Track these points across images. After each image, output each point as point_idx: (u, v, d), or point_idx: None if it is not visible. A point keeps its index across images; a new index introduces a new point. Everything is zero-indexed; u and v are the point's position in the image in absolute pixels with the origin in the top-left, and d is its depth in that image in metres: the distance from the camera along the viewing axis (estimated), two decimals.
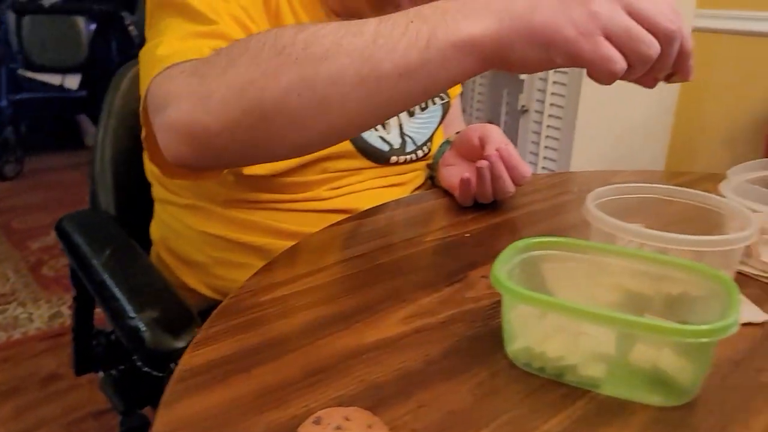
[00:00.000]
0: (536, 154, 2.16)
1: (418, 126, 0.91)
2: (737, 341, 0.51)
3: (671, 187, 0.63)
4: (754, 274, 0.62)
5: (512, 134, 2.25)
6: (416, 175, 0.91)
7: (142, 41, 0.66)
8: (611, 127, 2.03)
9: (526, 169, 0.74)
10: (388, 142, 0.87)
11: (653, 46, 0.47)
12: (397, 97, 0.50)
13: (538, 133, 2.13)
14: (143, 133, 0.65)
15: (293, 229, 0.79)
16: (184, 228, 0.85)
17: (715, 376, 0.46)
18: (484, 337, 0.50)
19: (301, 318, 0.51)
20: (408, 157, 0.89)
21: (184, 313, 0.67)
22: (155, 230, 0.90)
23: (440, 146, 0.91)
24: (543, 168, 2.15)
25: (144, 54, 0.64)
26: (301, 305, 0.53)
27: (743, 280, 0.61)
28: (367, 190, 0.85)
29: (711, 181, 0.67)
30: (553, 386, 0.45)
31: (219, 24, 0.65)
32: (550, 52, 0.47)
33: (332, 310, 0.52)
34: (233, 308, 0.52)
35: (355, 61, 0.48)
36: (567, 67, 0.48)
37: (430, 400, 0.42)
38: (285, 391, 0.42)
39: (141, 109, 0.62)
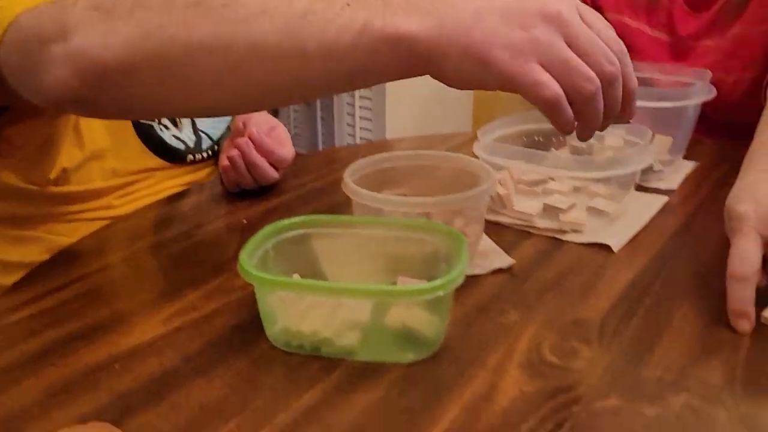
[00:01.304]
0: (353, 126, 2.20)
1: (213, 121, 0.88)
2: (486, 288, 0.56)
3: (430, 152, 0.67)
4: (509, 223, 0.67)
5: (328, 106, 2.26)
6: (213, 170, 0.89)
7: None
8: (420, 92, 2.11)
9: (284, 152, 0.74)
10: (182, 141, 0.84)
11: (592, 82, 0.45)
12: (315, 80, 0.47)
13: (352, 105, 2.16)
14: None
15: None
16: None
17: (462, 324, 0.50)
18: (248, 324, 0.50)
19: (48, 337, 0.48)
20: (204, 154, 0.86)
21: None
22: None
23: (224, 132, 0.89)
24: (361, 138, 2.20)
25: None
26: (49, 322, 0.49)
27: (499, 228, 0.66)
28: (161, 192, 0.81)
29: None
30: (311, 361, 0.46)
31: None
32: (484, 71, 0.45)
33: (85, 322, 0.50)
34: None
35: (279, 31, 0.45)
36: (501, 90, 0.46)
37: (183, 400, 0.42)
38: (20, 420, 0.39)
39: None
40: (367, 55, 0.46)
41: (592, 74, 0.45)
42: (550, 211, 0.67)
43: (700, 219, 0.69)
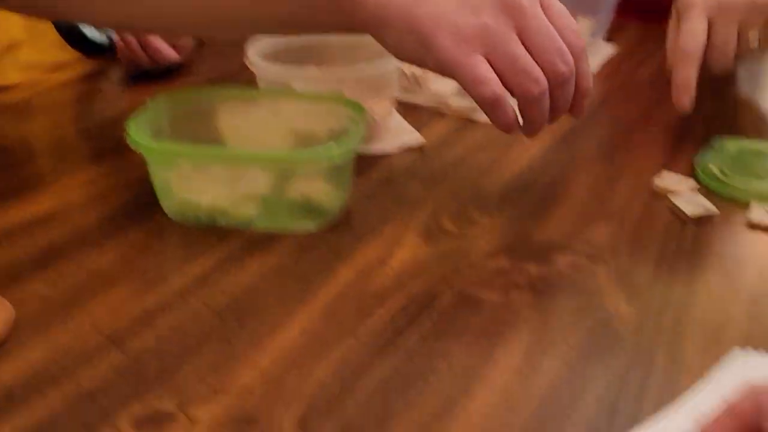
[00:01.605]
0: None
1: None
2: (393, 164, 0.56)
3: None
4: (424, 103, 0.67)
5: None
6: None
7: None
8: None
9: None
10: (107, 35, 0.79)
11: (539, 83, 0.41)
12: (246, 19, 0.44)
13: None
14: None
15: None
16: None
17: (364, 197, 0.50)
18: (145, 199, 0.48)
19: None
20: None
21: None
22: None
23: None
24: None
25: None
26: None
27: (413, 109, 0.65)
28: None
29: None
30: (208, 232, 0.45)
31: None
32: (424, 52, 0.41)
33: None
34: None
35: None
36: (440, 74, 0.43)
37: (72, 269, 0.41)
38: None
39: None
40: (303, 3, 0.42)
41: (540, 75, 0.41)
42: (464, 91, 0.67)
43: (614, 99, 0.70)
